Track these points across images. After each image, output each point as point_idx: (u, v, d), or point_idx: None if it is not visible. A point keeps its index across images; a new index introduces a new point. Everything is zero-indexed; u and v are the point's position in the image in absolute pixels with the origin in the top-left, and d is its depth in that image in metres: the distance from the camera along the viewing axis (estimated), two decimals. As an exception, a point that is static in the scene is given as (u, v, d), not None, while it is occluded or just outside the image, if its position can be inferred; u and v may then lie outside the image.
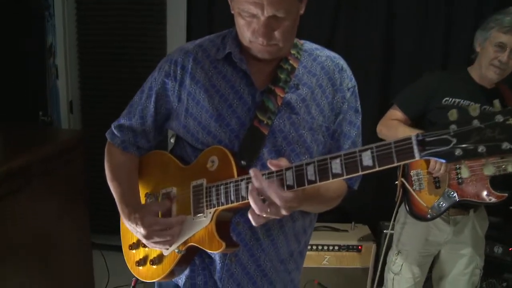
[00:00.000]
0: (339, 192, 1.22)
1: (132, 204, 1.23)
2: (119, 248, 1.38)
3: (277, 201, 0.94)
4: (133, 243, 1.29)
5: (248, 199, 0.99)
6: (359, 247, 2.83)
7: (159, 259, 1.22)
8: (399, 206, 2.26)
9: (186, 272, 1.24)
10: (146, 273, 1.26)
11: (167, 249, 1.19)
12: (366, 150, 0.87)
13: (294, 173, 0.95)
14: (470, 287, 2.23)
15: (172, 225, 1.15)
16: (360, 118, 1.25)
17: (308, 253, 2.74)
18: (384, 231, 2.75)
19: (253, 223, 1.01)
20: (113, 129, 1.33)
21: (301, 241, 1.28)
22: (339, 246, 2.81)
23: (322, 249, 2.82)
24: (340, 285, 2.82)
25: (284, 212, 0.97)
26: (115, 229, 1.39)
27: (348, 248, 2.82)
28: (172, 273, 1.21)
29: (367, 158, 0.86)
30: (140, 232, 1.16)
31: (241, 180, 1.04)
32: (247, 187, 1.02)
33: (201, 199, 1.13)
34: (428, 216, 2.05)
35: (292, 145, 1.16)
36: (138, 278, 1.29)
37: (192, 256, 1.20)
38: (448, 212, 2.07)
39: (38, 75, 3.12)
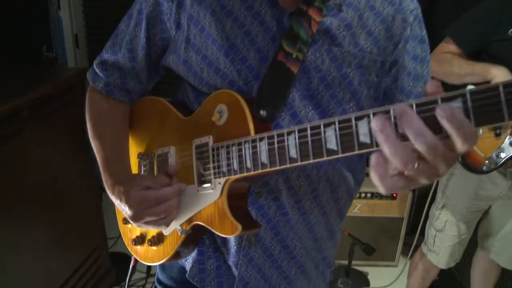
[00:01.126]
0: None
1: (117, 172, 0.94)
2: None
3: (461, 142, 0.53)
4: None
5: (284, 164, 0.70)
6: (394, 194, 2.58)
7: (158, 239, 0.96)
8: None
9: (194, 254, 0.98)
10: (145, 254, 1.01)
11: (165, 229, 0.92)
12: (454, 98, 0.54)
13: (337, 131, 0.64)
14: (523, 247, 1.96)
15: (167, 197, 0.86)
16: (428, 51, 0.91)
17: (337, 200, 2.59)
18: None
19: (383, 190, 0.60)
20: (94, 67, 1.02)
21: (343, 213, 1.00)
22: (372, 193, 2.57)
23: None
24: (372, 236, 2.59)
25: (444, 168, 0.58)
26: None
27: (381, 195, 2.57)
28: (177, 256, 0.95)
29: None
30: (126, 211, 0.88)
31: (260, 139, 0.74)
32: (268, 150, 0.73)
33: (207, 164, 0.84)
34: (484, 168, 1.73)
35: (332, 89, 0.84)
36: (137, 259, 1.04)
37: (200, 235, 0.94)
38: (506, 164, 1.75)
39: (38, 4, 2.80)
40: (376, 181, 0.59)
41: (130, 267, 1.06)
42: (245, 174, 0.77)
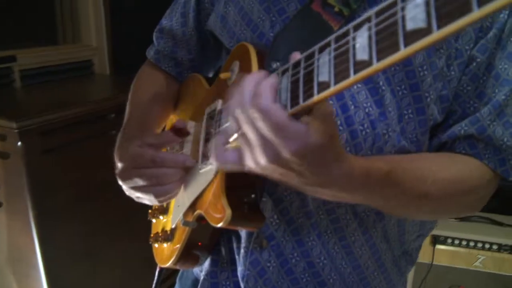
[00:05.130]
0: (466, 184, 0.65)
1: (130, 131, 0.82)
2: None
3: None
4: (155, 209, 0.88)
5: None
6: (532, 252, 2.09)
7: (171, 234, 0.79)
8: None
9: (206, 264, 0.79)
10: (160, 254, 0.85)
11: (160, 201, 0.73)
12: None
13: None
14: None
15: (164, 162, 0.70)
16: None
17: (455, 249, 2.14)
18: None
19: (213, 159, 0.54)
20: (154, 37, 0.97)
21: (387, 236, 0.74)
22: (500, 245, 2.10)
23: (475, 247, 2.15)
24: (498, 299, 2.11)
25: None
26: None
27: (512, 249, 2.10)
28: (186, 258, 0.77)
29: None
30: (117, 167, 0.74)
31: None
32: None
33: (212, 133, 0.67)
34: None
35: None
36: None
37: (212, 236, 0.76)
38: None
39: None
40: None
41: (156, 272, 0.91)
42: None
